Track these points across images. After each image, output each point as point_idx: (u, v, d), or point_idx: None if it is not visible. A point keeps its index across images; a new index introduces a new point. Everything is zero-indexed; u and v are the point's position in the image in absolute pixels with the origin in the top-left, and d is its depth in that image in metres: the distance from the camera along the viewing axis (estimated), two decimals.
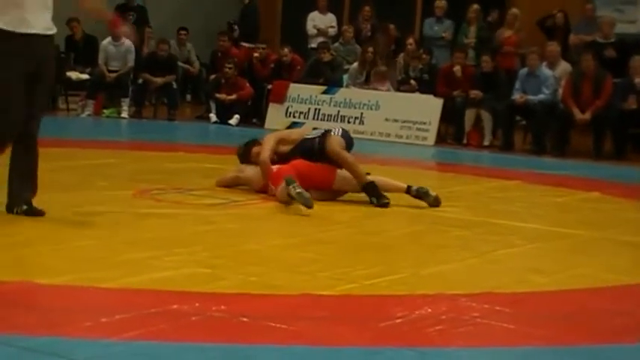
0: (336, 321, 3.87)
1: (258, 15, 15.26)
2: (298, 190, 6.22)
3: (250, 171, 7.11)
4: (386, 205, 6.69)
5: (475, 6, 14.09)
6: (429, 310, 4.05)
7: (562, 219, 6.95)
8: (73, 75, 14.09)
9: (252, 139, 7.49)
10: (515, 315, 4.07)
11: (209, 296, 4.08)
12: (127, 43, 13.63)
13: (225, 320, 3.75)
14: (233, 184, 7.27)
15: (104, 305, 3.91)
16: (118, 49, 13.69)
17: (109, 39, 13.75)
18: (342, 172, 6.88)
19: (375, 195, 6.73)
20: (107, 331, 3.53)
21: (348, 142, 7.05)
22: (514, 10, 13.91)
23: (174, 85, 14.05)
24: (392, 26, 14.77)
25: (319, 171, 6.81)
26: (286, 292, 4.25)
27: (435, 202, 6.80)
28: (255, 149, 7.20)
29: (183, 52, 15.40)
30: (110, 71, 13.66)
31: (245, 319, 3.75)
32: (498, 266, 5.08)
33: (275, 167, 6.84)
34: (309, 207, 6.18)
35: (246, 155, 7.33)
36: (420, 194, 6.80)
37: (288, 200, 6.41)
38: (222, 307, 3.90)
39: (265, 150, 6.96)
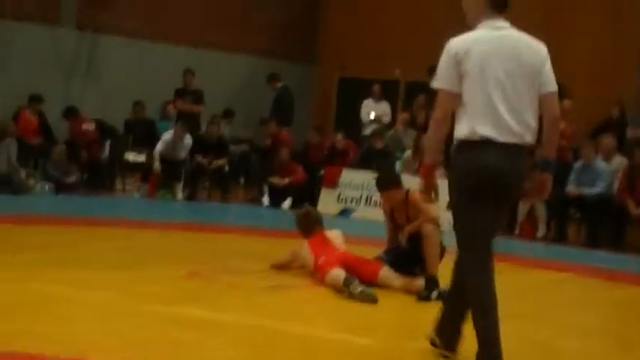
0: None
1: (291, 100, 15.38)
2: (359, 290, 6.21)
3: (305, 251, 7.07)
4: (427, 298, 6.48)
5: None
6: None
7: (614, 314, 6.83)
8: (131, 157, 14.36)
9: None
10: None
11: None
12: (188, 139, 13.84)
13: None
14: (289, 265, 7.25)
15: None
16: (178, 144, 13.84)
17: (171, 133, 13.85)
18: (387, 272, 6.79)
19: (430, 289, 6.52)
20: None
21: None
22: (567, 102, 13.85)
23: (227, 168, 14.23)
24: None
25: (365, 265, 6.78)
26: None
27: None
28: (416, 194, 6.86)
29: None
30: (165, 160, 13.78)
31: None
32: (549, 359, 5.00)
33: (321, 260, 6.81)
34: (374, 302, 6.15)
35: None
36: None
37: (336, 288, 6.40)
38: None
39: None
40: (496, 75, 4.34)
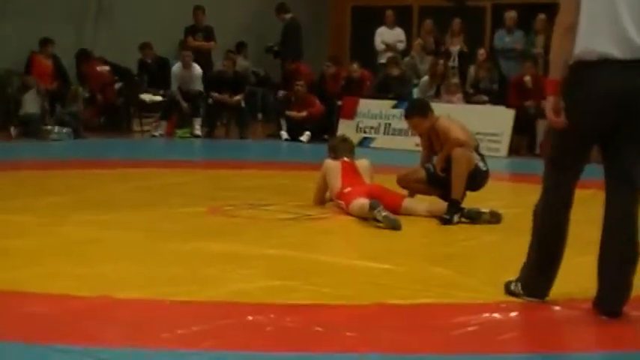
0: (409, 330, 3.88)
1: (299, 32, 15.22)
2: (384, 214, 6.24)
3: (334, 173, 7.03)
4: (447, 221, 6.50)
5: (542, 16, 13.95)
6: (504, 317, 4.04)
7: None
8: (147, 97, 14.34)
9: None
10: (594, 320, 4.02)
11: (283, 307, 4.12)
12: (197, 68, 13.82)
13: (300, 330, 3.79)
14: (324, 191, 7.16)
15: (181, 318, 3.97)
16: (188, 74, 13.85)
17: (178, 65, 13.90)
18: (409, 202, 6.86)
19: (452, 213, 6.54)
20: (184, 342, 3.60)
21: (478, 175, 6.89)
22: None
23: (243, 104, 14.19)
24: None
25: (389, 196, 6.79)
26: (360, 302, 4.27)
27: (491, 219, 6.60)
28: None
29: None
30: (182, 93, 13.83)
31: (319, 329, 3.78)
32: (575, 273, 5.00)
33: (347, 190, 6.84)
34: (397, 229, 6.17)
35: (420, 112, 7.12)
36: (472, 215, 6.57)
37: (362, 214, 6.44)
38: (297, 317, 3.94)
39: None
40: None
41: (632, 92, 3.85)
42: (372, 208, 6.31)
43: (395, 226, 6.19)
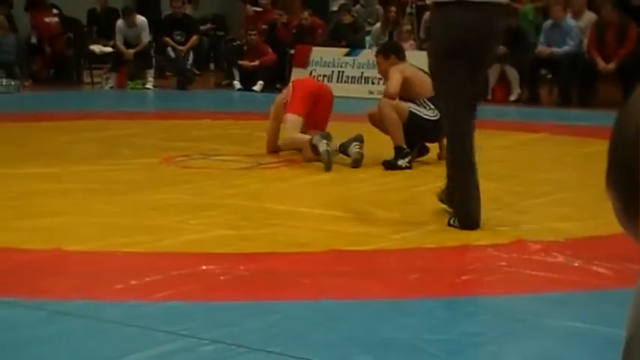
0: (363, 275, 3.89)
1: None
2: (327, 149, 6.26)
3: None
4: (393, 166, 6.52)
5: None
6: (457, 260, 4.06)
7: (589, 168, 6.88)
8: (96, 48, 14.10)
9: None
10: (544, 263, 4.06)
11: (237, 256, 4.10)
12: (140, 22, 13.54)
13: (253, 278, 3.78)
14: (277, 133, 7.21)
15: (133, 269, 3.94)
16: (132, 30, 13.59)
17: (122, 23, 13.61)
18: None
19: (397, 158, 6.57)
20: (137, 293, 3.58)
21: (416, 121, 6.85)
22: None
23: (191, 59, 13.86)
24: None
25: (324, 113, 7.10)
26: (314, 250, 4.26)
27: (353, 164, 6.60)
28: None
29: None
30: (129, 47, 13.57)
31: (273, 277, 3.77)
32: (525, 216, 5.06)
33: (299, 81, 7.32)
34: (327, 168, 6.30)
35: None
36: (344, 149, 6.66)
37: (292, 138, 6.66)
38: (250, 266, 3.93)
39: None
40: None
41: (483, 29, 4.42)
42: (323, 138, 6.42)
43: (326, 163, 6.32)
